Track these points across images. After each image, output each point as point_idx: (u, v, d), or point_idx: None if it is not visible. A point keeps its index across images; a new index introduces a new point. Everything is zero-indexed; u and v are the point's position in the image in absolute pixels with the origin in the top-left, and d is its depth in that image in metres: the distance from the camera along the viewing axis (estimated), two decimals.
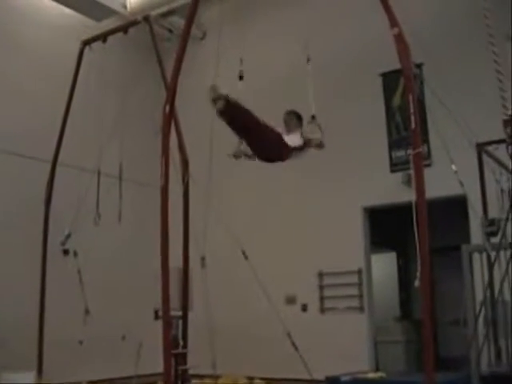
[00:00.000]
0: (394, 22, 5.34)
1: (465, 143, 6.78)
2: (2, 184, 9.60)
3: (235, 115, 5.75)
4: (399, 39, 5.25)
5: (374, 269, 11.04)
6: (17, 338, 8.71)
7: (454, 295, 9.95)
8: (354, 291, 10.36)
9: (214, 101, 5.62)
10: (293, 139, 6.09)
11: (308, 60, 6.37)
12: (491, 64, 7.00)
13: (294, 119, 6.38)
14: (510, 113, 5.65)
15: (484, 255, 7.03)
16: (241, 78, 6.71)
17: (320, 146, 5.89)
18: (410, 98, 5.09)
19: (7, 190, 9.63)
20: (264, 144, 5.99)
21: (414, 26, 6.38)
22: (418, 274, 4.67)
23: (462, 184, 5.50)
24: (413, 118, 5.05)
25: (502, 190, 7.90)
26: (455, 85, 8.83)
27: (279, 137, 5.98)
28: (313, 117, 5.97)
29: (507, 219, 5.29)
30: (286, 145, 5.99)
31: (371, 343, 10.29)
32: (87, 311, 8.92)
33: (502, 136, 5.57)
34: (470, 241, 9.12)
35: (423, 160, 5.24)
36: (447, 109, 5.88)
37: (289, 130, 6.27)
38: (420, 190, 4.97)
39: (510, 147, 5.41)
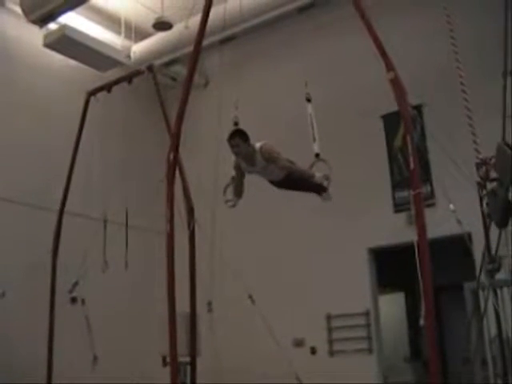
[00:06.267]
0: (389, 66, 5.45)
1: (467, 181, 6.82)
2: (10, 233, 9.65)
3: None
4: (395, 83, 5.36)
5: (382, 310, 10.97)
6: None
7: (465, 334, 9.91)
8: (363, 333, 10.26)
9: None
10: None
11: (309, 100, 6.45)
12: (488, 102, 7.16)
13: (241, 143, 5.96)
14: (481, 156, 5.77)
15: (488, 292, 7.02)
16: (235, 124, 6.76)
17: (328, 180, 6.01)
18: (408, 139, 5.19)
19: (15, 239, 9.67)
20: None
21: (414, 68, 6.50)
22: (422, 312, 4.71)
23: (460, 222, 5.57)
24: (411, 159, 5.14)
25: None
26: (455, 124, 8.88)
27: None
28: (317, 155, 6.07)
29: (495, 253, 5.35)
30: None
31: None
32: (95, 358, 8.92)
33: None
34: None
35: (427, 200, 5.30)
36: (446, 150, 5.98)
37: (247, 160, 6.10)
38: (421, 230, 5.03)
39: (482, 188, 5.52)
